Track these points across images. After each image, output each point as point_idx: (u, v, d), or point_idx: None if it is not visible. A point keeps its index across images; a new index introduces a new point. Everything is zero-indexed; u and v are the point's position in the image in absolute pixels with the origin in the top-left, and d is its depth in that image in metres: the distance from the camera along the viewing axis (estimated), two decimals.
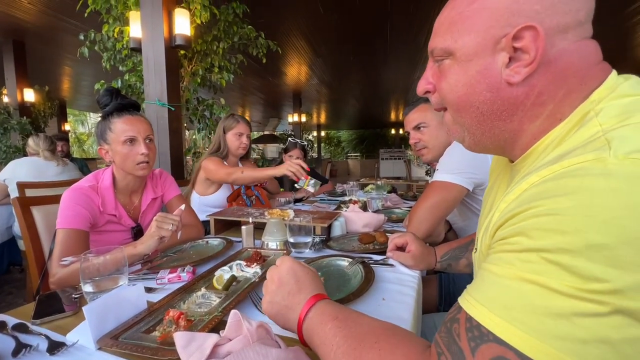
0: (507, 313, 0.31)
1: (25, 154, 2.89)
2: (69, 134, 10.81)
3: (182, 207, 0.97)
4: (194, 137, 3.06)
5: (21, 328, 0.63)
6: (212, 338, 0.51)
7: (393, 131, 16.05)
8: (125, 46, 2.55)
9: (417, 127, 1.37)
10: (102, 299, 0.60)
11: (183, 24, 2.27)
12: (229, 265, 0.89)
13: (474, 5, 0.43)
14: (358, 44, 5.16)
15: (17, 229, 2.41)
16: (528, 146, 0.44)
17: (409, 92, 8.94)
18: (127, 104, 1.06)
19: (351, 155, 18.69)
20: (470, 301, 0.36)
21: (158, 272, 0.87)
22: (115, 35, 2.51)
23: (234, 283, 0.79)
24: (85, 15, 2.56)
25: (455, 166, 1.16)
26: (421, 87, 0.50)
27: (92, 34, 2.62)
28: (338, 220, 1.26)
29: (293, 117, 8.52)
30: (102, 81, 2.68)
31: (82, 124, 17.83)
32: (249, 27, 2.84)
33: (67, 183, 2.55)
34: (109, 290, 0.71)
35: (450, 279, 1.19)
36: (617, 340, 0.27)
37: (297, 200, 2.24)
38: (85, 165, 3.80)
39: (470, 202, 1.25)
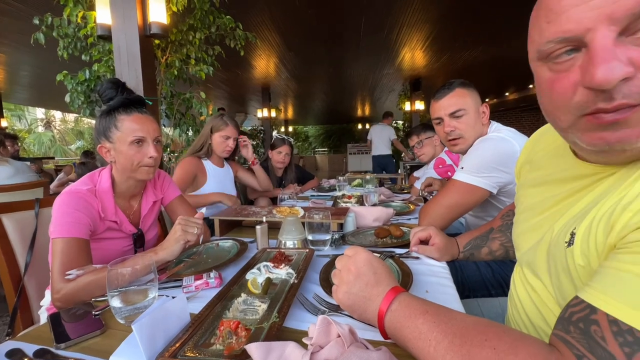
0: None
1: None
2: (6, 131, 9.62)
3: (203, 210, 0.90)
4: (168, 133, 2.87)
5: (46, 355, 0.55)
6: (290, 346, 0.48)
7: (360, 126, 16.33)
8: (90, 33, 2.30)
9: (454, 114, 1.21)
10: (149, 314, 0.54)
11: (159, 10, 2.10)
12: (256, 267, 0.85)
13: None
14: (331, 39, 5.15)
15: None
16: None
17: (377, 89, 9.14)
18: (134, 100, 0.95)
19: (319, 151, 18.75)
20: (609, 302, 0.34)
21: (181, 280, 0.81)
22: (79, 20, 2.26)
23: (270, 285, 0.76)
24: None
25: (482, 167, 1.10)
26: (616, 72, 0.34)
27: (49, 19, 2.33)
28: (350, 215, 1.25)
29: (262, 112, 8.32)
30: (65, 72, 2.39)
31: (19, 120, 15.97)
32: (228, 17, 2.71)
33: (25, 186, 2.27)
34: (138, 304, 0.64)
35: (458, 268, 1.22)
36: None
37: (274, 199, 2.19)
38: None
39: (491, 200, 1.21)
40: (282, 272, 0.83)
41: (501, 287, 1.12)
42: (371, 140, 6.35)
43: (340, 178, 2.48)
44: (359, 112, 14.02)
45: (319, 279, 0.81)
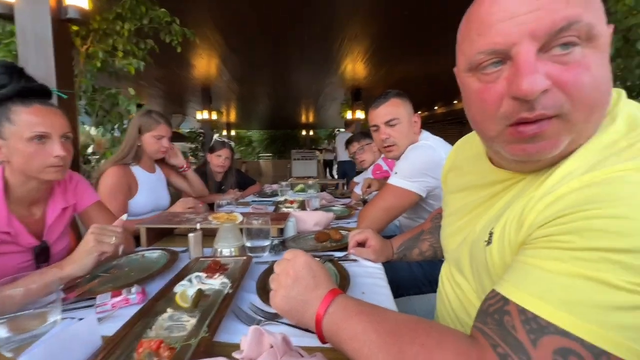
0: (566, 306, 0.33)
1: None
2: None
3: (124, 217, 0.79)
4: (91, 132, 2.54)
5: None
6: None
7: (304, 132, 16.48)
8: None
9: (388, 122, 1.30)
10: (44, 343, 0.45)
11: None
12: (187, 279, 0.78)
13: None
14: (275, 44, 5.13)
15: None
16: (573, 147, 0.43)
17: (320, 96, 9.34)
18: (35, 89, 0.81)
19: (263, 156, 18.42)
20: (518, 293, 0.37)
21: (95, 298, 0.70)
22: None
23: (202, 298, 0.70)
24: None
25: (414, 172, 1.19)
26: (538, 84, 0.37)
27: None
28: (290, 220, 1.23)
29: (202, 114, 7.89)
30: None
31: None
32: (162, 10, 2.51)
33: None
34: (34, 331, 0.54)
35: (392, 268, 1.28)
36: None
37: (211, 205, 2.04)
38: None
39: (420, 203, 1.30)
40: (216, 282, 0.77)
41: (431, 285, 1.20)
42: (336, 147, 6.71)
43: (283, 183, 2.45)
44: (304, 119, 14.16)
45: (256, 287, 0.77)
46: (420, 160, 1.21)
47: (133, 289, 0.72)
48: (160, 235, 1.26)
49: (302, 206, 1.72)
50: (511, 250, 0.45)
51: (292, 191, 2.46)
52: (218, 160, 2.35)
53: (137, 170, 1.65)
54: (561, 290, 0.34)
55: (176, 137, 10.58)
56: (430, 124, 11.98)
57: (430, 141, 1.30)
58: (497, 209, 0.52)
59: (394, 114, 1.29)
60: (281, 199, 2.05)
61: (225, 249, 1.00)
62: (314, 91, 8.67)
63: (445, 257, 0.71)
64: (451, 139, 1.03)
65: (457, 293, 0.62)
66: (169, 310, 0.64)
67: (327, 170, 11.30)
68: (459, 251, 0.61)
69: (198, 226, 1.05)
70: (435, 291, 0.75)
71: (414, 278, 1.20)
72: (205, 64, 5.98)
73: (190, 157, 8.63)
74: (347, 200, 2.17)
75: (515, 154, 0.44)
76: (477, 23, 0.43)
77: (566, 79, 0.38)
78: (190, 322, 0.61)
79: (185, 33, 2.73)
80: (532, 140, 0.41)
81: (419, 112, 1.45)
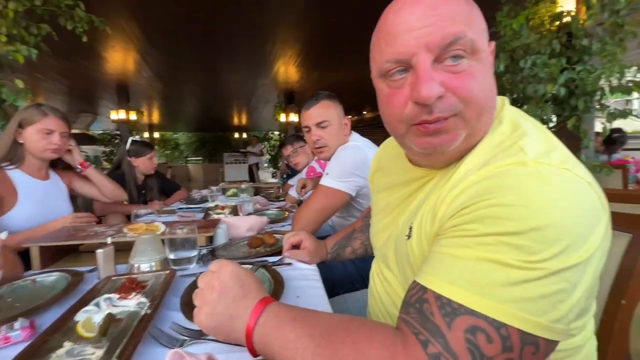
0: (473, 287, 0.37)
1: None
2: None
3: (4, 234, 0.64)
4: None
5: None
6: None
7: (237, 135, 15.92)
8: None
9: (320, 124, 1.32)
10: None
11: None
12: (93, 303, 0.67)
13: (473, 8, 0.46)
14: (203, 42, 4.85)
15: None
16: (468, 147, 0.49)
17: (253, 98, 9.13)
18: None
19: (192, 160, 17.24)
20: (434, 282, 0.40)
21: None
22: None
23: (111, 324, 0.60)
24: None
25: (344, 173, 1.23)
26: (434, 90, 0.43)
27: None
28: (220, 227, 1.16)
29: (118, 114, 7.04)
30: None
31: None
32: None
33: None
34: None
35: (327, 268, 1.30)
36: (550, 293, 0.36)
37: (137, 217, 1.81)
38: None
39: (351, 202, 1.34)
40: (132, 303, 0.68)
41: (364, 281, 1.24)
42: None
43: (213, 188, 2.31)
44: (236, 121, 13.67)
45: (180, 304, 0.70)
46: (349, 161, 1.26)
47: (16, 324, 0.59)
48: (60, 254, 1.07)
49: (235, 211, 1.64)
50: (427, 241, 0.49)
51: (223, 196, 2.34)
52: (151, 163, 2.19)
53: (16, 174, 1.33)
54: (469, 274, 0.38)
55: (83, 138, 9.28)
56: (360, 128, 12.64)
57: (359, 142, 1.35)
58: (415, 205, 0.56)
59: (324, 115, 1.32)
60: (211, 205, 1.93)
61: (144, 263, 0.89)
62: (247, 92, 8.44)
63: (375, 253, 0.74)
64: (379, 141, 1.09)
65: (386, 287, 0.65)
66: (67, 344, 0.54)
67: (254, 174, 9.88)
68: (386, 247, 0.64)
69: (109, 240, 0.92)
70: (367, 287, 0.78)
71: (348, 275, 1.23)
72: (120, 58, 5.35)
73: (105, 163, 7.62)
74: (282, 203, 2.15)
75: (422, 147, 0.49)
76: (385, 34, 0.47)
77: (457, 85, 0.44)
78: (95, 354, 0.52)
79: (93, 21, 2.40)
80: (435, 134, 0.47)
81: (350, 117, 1.50)
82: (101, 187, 1.65)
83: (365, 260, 1.28)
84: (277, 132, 11.09)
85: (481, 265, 0.38)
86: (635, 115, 2.47)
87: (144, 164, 2.19)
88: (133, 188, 2.14)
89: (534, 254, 0.36)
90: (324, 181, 1.25)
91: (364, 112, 11.98)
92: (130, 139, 2.21)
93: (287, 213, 1.71)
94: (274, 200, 2.34)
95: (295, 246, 1.01)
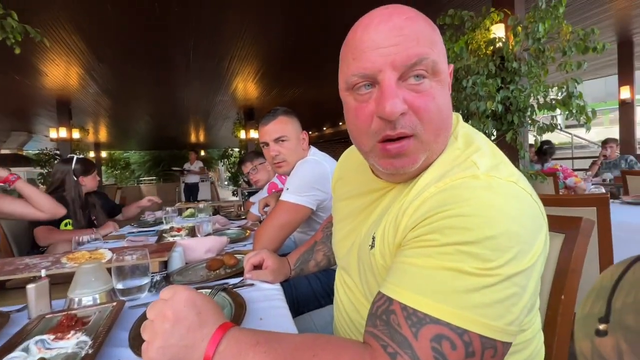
0: (437, 296, 0.38)
1: None
2: None
3: None
4: None
5: None
6: None
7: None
8: None
9: (278, 139, 1.32)
10: None
11: None
12: (20, 348, 0.58)
13: (435, 32, 0.49)
14: (155, 58, 4.68)
15: None
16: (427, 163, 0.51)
17: (211, 115, 8.92)
18: None
19: (145, 179, 16.22)
20: (400, 292, 0.41)
21: None
22: None
23: None
24: None
25: (304, 187, 1.22)
26: (398, 107, 0.44)
27: None
28: (176, 250, 1.09)
29: (58, 132, 6.45)
30: None
31: None
32: None
33: None
34: None
35: (292, 285, 1.27)
36: (504, 298, 0.38)
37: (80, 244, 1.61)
38: None
39: (311, 216, 1.33)
40: (70, 344, 0.60)
41: (329, 296, 1.23)
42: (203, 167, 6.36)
43: (169, 209, 2.18)
44: (193, 138, 13.20)
45: (128, 338, 0.63)
46: (308, 175, 1.26)
47: None
48: None
49: (192, 233, 1.55)
50: (390, 252, 0.50)
51: (179, 217, 2.21)
52: (96, 182, 2.08)
53: None
54: (432, 283, 0.39)
55: (16, 159, 8.33)
56: (320, 144, 12.89)
57: (318, 157, 1.37)
58: (377, 215, 0.58)
59: (282, 131, 1.33)
60: (166, 227, 1.81)
61: (86, 296, 0.80)
62: (205, 109, 8.23)
63: (338, 263, 0.74)
64: (338, 156, 1.11)
65: (349, 295, 0.65)
66: None
67: (190, 196, 8.07)
68: (349, 255, 0.64)
69: (43, 273, 0.81)
70: (332, 302, 0.77)
71: (313, 292, 1.21)
72: (61, 73, 4.96)
73: (42, 186, 6.86)
74: (243, 222, 2.08)
75: (385, 168, 0.51)
76: (352, 48, 0.49)
77: (418, 105, 0.46)
78: None
79: (28, 32, 2.21)
80: (397, 157, 0.49)
81: (310, 132, 1.53)
82: (36, 201, 1.46)
83: (329, 275, 1.27)
84: (237, 149, 10.85)
85: (443, 274, 0.39)
86: (560, 129, 2.82)
87: (90, 183, 2.05)
88: (77, 210, 1.94)
89: (490, 261, 0.38)
90: (284, 196, 1.23)
91: (324, 128, 12.24)
92: (75, 157, 2.04)
93: (248, 232, 1.65)
94: (235, 219, 2.26)
95: (257, 266, 0.97)
